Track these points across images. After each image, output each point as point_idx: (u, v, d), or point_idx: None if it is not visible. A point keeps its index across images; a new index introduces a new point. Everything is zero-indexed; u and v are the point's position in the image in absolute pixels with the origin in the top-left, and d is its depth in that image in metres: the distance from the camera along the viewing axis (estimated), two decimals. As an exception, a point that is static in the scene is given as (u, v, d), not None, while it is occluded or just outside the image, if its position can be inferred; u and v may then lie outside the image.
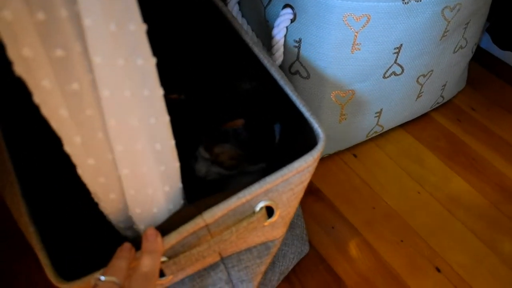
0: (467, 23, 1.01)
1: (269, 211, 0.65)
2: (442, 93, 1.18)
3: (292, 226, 0.90)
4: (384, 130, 1.16)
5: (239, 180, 0.88)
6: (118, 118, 0.48)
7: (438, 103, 1.22)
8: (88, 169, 0.52)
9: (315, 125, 0.67)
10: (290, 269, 0.93)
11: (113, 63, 0.45)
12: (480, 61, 1.38)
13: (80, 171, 0.51)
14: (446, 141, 1.20)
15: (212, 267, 0.70)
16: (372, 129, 1.12)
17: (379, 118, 1.08)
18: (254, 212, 0.63)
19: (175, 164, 0.59)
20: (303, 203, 0.97)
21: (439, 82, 1.12)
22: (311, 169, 0.66)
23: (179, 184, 0.61)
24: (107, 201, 0.57)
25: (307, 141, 0.67)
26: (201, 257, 0.62)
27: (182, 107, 0.83)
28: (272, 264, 0.87)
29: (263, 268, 0.74)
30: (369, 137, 1.16)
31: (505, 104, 1.29)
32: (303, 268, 0.96)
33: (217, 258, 0.69)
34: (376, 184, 1.10)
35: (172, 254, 0.61)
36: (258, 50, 0.78)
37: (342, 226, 1.02)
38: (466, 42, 1.07)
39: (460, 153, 1.17)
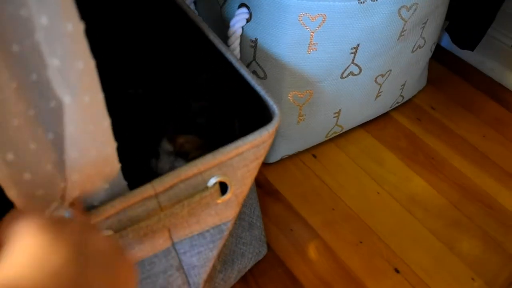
0: (425, 23, 1.01)
1: (223, 190, 0.64)
2: (401, 92, 1.18)
3: (250, 226, 0.89)
4: (343, 130, 1.16)
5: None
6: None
7: (398, 102, 1.22)
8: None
9: (270, 102, 0.66)
10: (247, 269, 0.93)
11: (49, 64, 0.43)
12: (440, 60, 1.39)
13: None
14: (406, 140, 1.20)
15: (164, 253, 0.68)
16: (331, 130, 1.11)
17: (338, 118, 1.08)
18: (207, 187, 0.61)
19: (117, 165, 0.57)
20: (261, 204, 0.96)
21: (398, 81, 1.12)
22: (266, 146, 0.64)
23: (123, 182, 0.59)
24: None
25: (261, 120, 0.66)
26: (150, 231, 0.60)
27: (141, 101, 0.81)
28: (231, 261, 0.86)
29: (215, 252, 0.72)
30: (329, 138, 1.15)
31: (465, 103, 1.30)
32: (261, 270, 0.95)
33: (169, 243, 0.68)
34: (335, 185, 1.09)
35: (119, 228, 0.58)
36: (213, 36, 0.77)
37: (301, 228, 1.01)
38: (425, 42, 1.07)
39: (420, 153, 1.17)
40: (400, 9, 0.89)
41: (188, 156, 0.79)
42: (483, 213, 1.05)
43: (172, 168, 0.79)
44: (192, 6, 1.01)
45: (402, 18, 0.91)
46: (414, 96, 1.29)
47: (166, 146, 0.79)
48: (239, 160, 0.63)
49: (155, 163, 0.81)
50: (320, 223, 1.02)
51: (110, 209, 0.56)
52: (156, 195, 0.58)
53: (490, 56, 1.36)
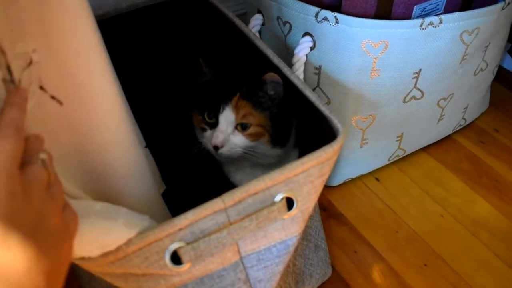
0: (487, 46, 1.02)
1: (289, 205, 0.66)
2: (464, 115, 1.18)
3: (316, 248, 0.91)
4: (406, 154, 1.17)
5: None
6: None
7: (460, 125, 1.22)
8: None
9: (335, 121, 0.69)
10: (314, 289, 0.95)
11: None
12: (503, 81, 1.39)
13: None
14: (469, 163, 1.20)
15: (232, 267, 0.71)
16: (394, 153, 1.12)
17: (400, 142, 1.09)
18: (274, 202, 0.64)
19: None
20: (325, 227, 0.98)
21: (460, 104, 1.12)
22: (331, 163, 0.67)
23: None
24: None
25: (324, 139, 0.69)
26: (220, 244, 0.63)
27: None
28: (302, 281, 0.89)
29: (281, 267, 0.75)
30: (391, 161, 1.16)
31: (529, 125, 1.29)
32: (326, 292, 0.96)
33: (237, 257, 0.70)
34: (398, 208, 1.10)
35: (191, 240, 0.62)
36: (278, 61, 0.82)
37: (365, 250, 1.03)
38: (487, 65, 1.08)
39: (483, 175, 1.17)
40: (462, 33, 0.91)
41: (246, 128, 0.84)
42: (550, 236, 1.04)
43: (225, 140, 0.83)
44: (257, 35, 1.05)
45: (464, 43, 0.92)
46: (476, 119, 1.29)
47: (229, 113, 0.83)
48: (305, 177, 0.65)
49: (210, 133, 0.85)
50: (384, 245, 1.03)
51: (184, 221, 0.60)
52: (225, 209, 0.62)
53: (554, 77, 1.35)
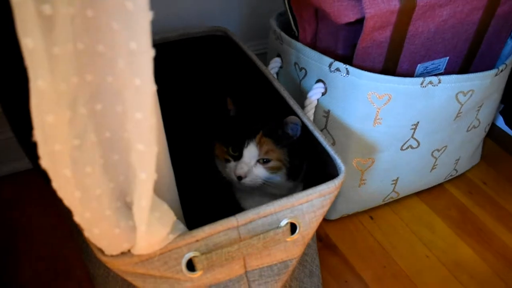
0: (480, 106, 1.12)
1: (292, 230, 0.75)
2: (455, 166, 1.28)
3: (311, 274, 0.99)
4: (399, 197, 1.26)
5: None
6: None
7: (451, 175, 1.32)
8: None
9: (338, 160, 0.80)
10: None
11: None
12: (495, 139, 1.49)
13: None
14: (456, 211, 1.29)
15: (237, 279, 0.79)
16: (388, 195, 1.22)
17: (395, 185, 1.18)
18: (280, 226, 0.74)
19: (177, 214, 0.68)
20: (320, 256, 1.06)
21: (452, 156, 1.22)
22: (332, 197, 0.77)
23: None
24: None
25: (326, 175, 0.78)
26: (230, 257, 0.71)
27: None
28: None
29: (279, 284, 0.83)
30: (385, 202, 1.26)
31: (515, 181, 1.38)
32: (316, 316, 1.04)
33: (242, 270, 0.79)
34: (388, 245, 1.19)
35: (205, 250, 0.70)
36: (293, 103, 0.92)
37: (355, 281, 1.11)
38: (479, 123, 1.18)
39: (469, 223, 1.25)
40: (457, 94, 1.00)
41: (268, 163, 0.93)
42: (525, 284, 1.13)
43: (248, 172, 0.92)
44: (275, 76, 1.14)
45: (459, 102, 1.02)
46: (467, 171, 1.39)
47: (253, 149, 0.92)
48: (308, 206, 0.75)
49: (234, 164, 0.94)
50: (372, 278, 1.12)
51: (201, 233, 0.69)
52: (238, 227, 0.71)
53: (542, 139, 1.44)
